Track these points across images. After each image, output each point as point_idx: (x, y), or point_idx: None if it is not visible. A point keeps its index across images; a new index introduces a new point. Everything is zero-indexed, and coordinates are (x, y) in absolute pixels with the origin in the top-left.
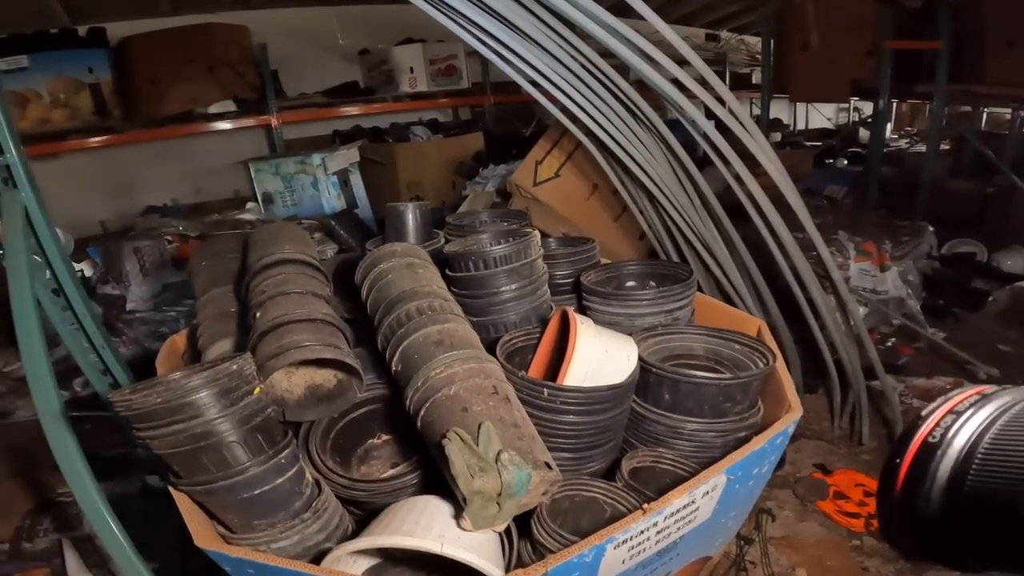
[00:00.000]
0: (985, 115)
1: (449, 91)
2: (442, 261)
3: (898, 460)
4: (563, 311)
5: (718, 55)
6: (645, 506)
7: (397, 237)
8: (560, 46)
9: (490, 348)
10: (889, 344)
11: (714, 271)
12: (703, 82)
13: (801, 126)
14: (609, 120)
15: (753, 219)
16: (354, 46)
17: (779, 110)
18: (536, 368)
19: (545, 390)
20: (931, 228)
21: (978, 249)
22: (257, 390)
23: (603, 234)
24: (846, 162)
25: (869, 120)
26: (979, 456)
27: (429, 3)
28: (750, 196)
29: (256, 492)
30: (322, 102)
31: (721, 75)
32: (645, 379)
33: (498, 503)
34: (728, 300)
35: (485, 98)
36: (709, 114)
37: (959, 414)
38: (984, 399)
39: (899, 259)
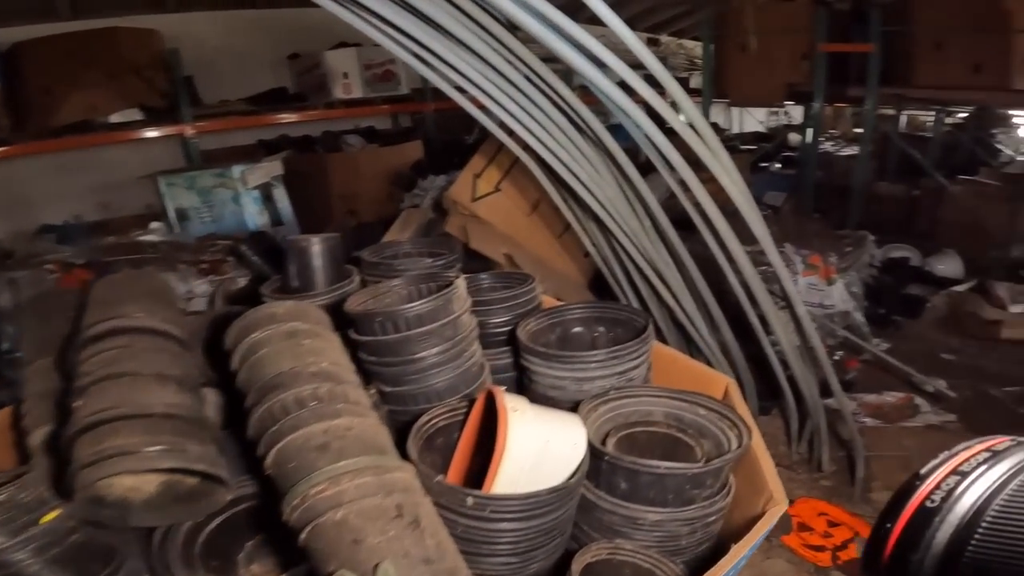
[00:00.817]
0: (904, 118)
1: (387, 97)
2: (346, 318)
3: (889, 525)
4: (488, 394)
5: (658, 60)
6: None
7: (299, 278)
8: (489, 45)
9: (411, 424)
10: (837, 358)
11: (665, 298)
12: (652, 86)
13: (736, 130)
14: (549, 133)
15: (702, 233)
16: (283, 50)
17: (716, 114)
18: (464, 451)
19: (469, 499)
20: (872, 237)
21: (912, 254)
22: (52, 515)
23: (547, 251)
24: (779, 166)
25: (798, 124)
26: (984, 524)
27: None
28: (698, 207)
29: None
30: (244, 109)
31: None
32: (597, 464)
33: None
34: (680, 327)
35: (425, 104)
36: (654, 118)
37: (964, 475)
38: (995, 457)
39: (843, 271)
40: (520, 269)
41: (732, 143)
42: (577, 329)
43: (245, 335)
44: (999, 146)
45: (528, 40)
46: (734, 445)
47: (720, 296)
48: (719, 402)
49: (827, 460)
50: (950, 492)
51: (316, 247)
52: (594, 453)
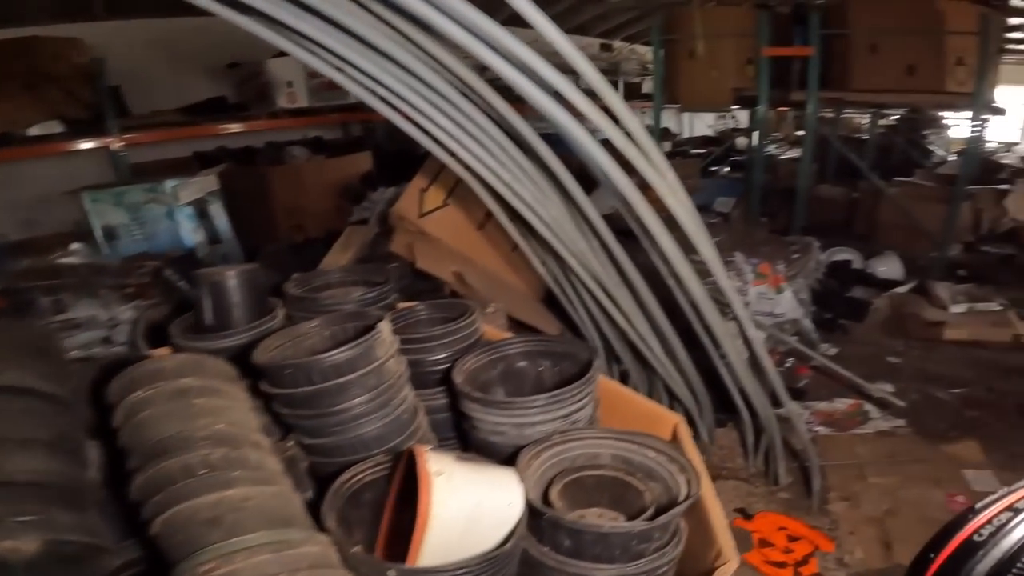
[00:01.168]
0: (840, 120)
1: (335, 106)
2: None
3: (932, 555)
4: (409, 454)
5: (611, 65)
6: None
7: (214, 315)
8: (414, 55)
9: (339, 472)
10: (788, 365)
11: (616, 319)
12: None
13: (687, 134)
14: (487, 149)
15: (651, 255)
16: (222, 59)
17: (667, 119)
18: (395, 507)
19: (391, 572)
20: (817, 243)
21: (854, 256)
22: None
23: (500, 266)
24: (728, 169)
25: (745, 128)
26: (1022, 561)
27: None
28: (642, 225)
29: None
30: (177, 120)
31: (614, 85)
32: (539, 520)
33: None
34: (633, 347)
35: (375, 113)
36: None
37: (1018, 511)
38: None
39: (791, 278)
40: (471, 288)
41: (683, 148)
42: (521, 364)
43: (127, 393)
44: (931, 147)
45: (460, 50)
46: (683, 490)
47: (671, 311)
48: (668, 444)
49: (783, 474)
50: (1000, 528)
51: (231, 281)
52: (533, 511)
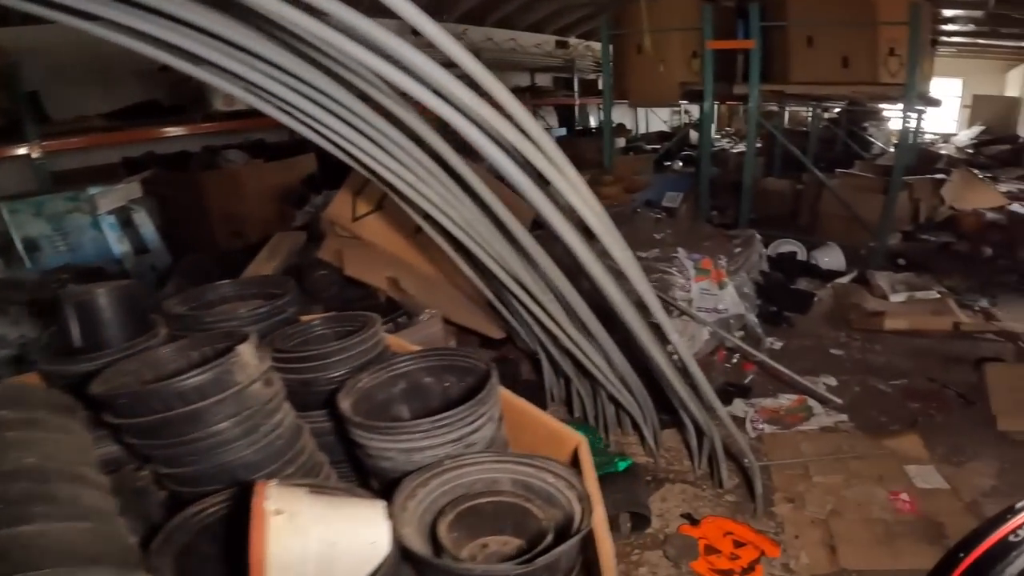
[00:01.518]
0: (787, 113)
1: None
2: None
3: (961, 554)
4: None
5: (567, 62)
6: None
7: (84, 336)
8: (281, 50)
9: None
10: (735, 361)
11: (549, 326)
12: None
13: (642, 130)
14: (385, 151)
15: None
16: (153, 61)
17: (622, 115)
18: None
19: None
20: (759, 236)
21: (798, 248)
22: None
23: (439, 270)
24: (680, 164)
25: (696, 123)
26: None
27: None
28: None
29: None
30: (103, 125)
31: (570, 82)
32: (415, 560)
33: None
34: (571, 356)
35: None
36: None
37: None
38: None
39: (734, 273)
40: (407, 293)
41: (638, 143)
42: (426, 380)
43: None
44: (871, 139)
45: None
46: (577, 518)
47: (607, 315)
48: (568, 468)
49: (726, 477)
50: None
51: (100, 299)
52: (404, 552)
